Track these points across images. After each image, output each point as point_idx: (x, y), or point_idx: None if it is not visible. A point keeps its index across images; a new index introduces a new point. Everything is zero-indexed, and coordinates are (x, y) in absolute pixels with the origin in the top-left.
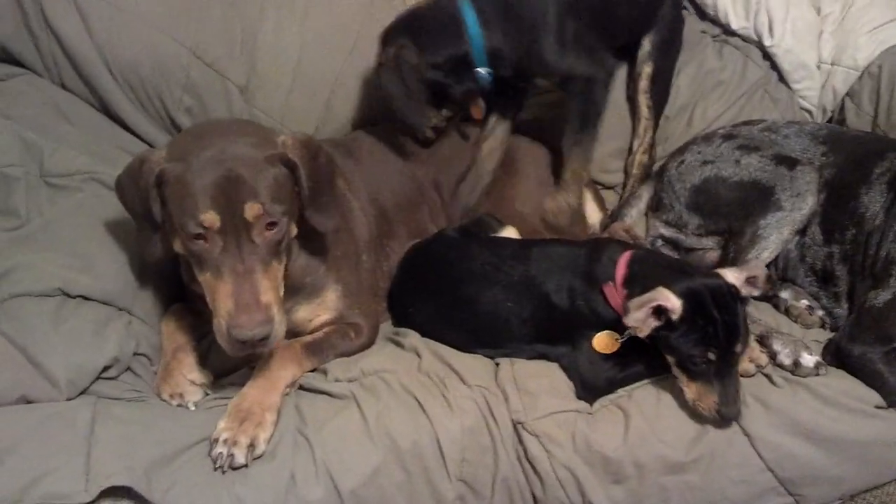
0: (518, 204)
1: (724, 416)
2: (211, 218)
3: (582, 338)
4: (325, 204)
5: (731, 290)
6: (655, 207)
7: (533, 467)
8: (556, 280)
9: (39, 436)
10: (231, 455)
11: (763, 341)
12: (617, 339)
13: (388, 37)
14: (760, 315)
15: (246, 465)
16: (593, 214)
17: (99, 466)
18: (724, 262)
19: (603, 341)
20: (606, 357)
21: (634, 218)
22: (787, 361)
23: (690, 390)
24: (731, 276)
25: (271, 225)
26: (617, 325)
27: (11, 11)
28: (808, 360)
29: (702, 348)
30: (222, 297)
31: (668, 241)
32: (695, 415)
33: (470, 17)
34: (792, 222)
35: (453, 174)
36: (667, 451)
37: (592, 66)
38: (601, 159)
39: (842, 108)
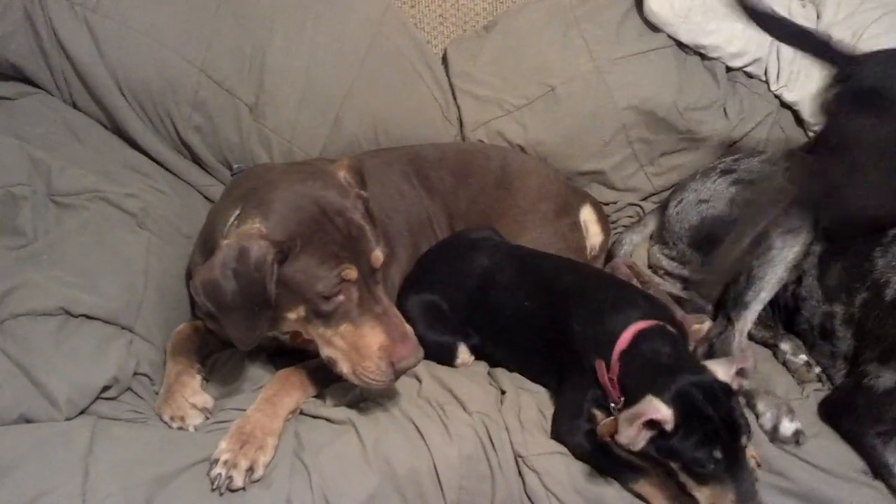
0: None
1: None
2: (352, 272)
3: (573, 383)
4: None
5: (723, 386)
6: (659, 239)
7: (531, 501)
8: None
9: (38, 455)
10: (230, 477)
11: (748, 399)
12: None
13: None
14: (759, 363)
15: (243, 489)
16: (596, 235)
17: (96, 487)
18: (727, 302)
19: (610, 428)
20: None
21: (636, 243)
22: (767, 426)
23: (703, 496)
24: (721, 370)
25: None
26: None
27: (24, 31)
28: (788, 427)
29: (706, 449)
30: (372, 340)
31: (673, 276)
32: None
33: None
34: (784, 261)
35: (458, 211)
36: None
37: None
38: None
39: None
